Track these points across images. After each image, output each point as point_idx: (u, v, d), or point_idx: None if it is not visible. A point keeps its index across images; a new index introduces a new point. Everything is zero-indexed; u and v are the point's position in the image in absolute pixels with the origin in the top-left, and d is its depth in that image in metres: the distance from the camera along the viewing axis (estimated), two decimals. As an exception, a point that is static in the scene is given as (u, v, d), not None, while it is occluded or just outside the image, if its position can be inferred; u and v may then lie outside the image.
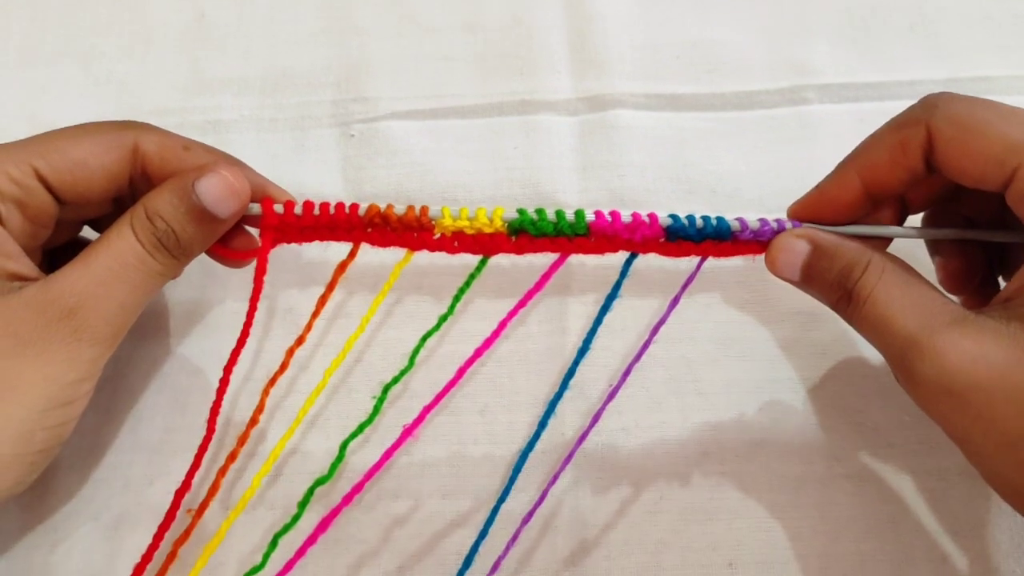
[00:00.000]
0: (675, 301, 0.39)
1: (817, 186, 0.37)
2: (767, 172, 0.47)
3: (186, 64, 0.50)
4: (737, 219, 0.37)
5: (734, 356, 0.43)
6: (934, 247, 0.39)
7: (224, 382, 0.38)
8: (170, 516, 0.37)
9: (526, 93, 0.49)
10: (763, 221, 0.37)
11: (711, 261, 0.38)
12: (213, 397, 0.38)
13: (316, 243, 0.39)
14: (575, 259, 0.39)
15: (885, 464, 0.41)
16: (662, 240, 0.37)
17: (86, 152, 0.35)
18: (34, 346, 0.33)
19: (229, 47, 0.50)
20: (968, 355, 0.30)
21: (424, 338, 0.39)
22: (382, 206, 0.37)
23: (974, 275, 0.38)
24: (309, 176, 0.47)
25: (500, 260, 0.40)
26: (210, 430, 0.38)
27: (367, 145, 0.47)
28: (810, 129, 0.48)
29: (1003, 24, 0.51)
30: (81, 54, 0.50)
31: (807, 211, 0.37)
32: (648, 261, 0.39)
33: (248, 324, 0.38)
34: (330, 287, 0.39)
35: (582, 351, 0.39)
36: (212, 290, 0.44)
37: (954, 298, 0.35)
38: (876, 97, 0.49)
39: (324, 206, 0.37)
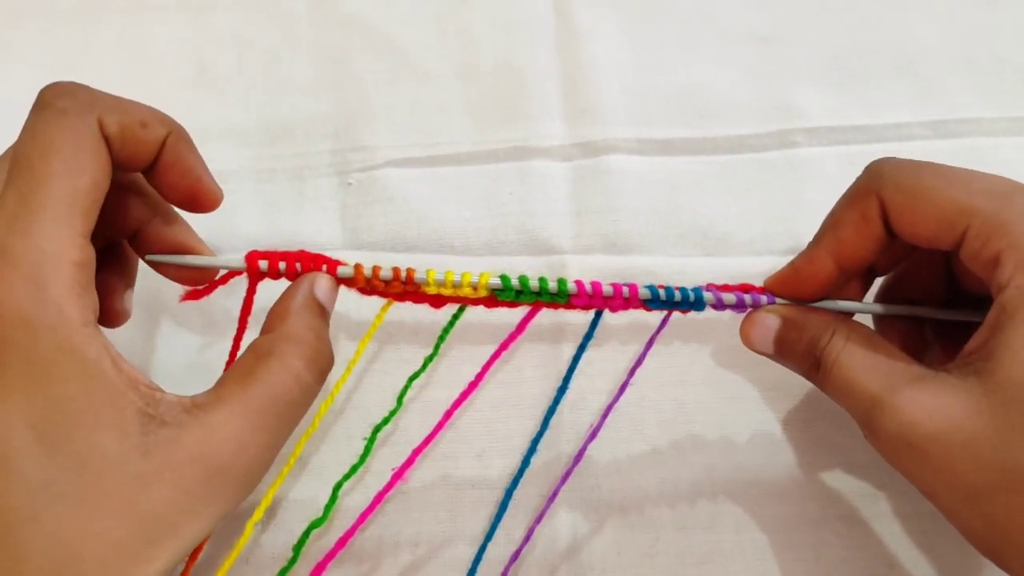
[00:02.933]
0: (649, 344, 0.40)
1: (791, 264, 0.38)
2: (758, 214, 0.48)
3: (185, 114, 0.50)
4: (712, 292, 0.38)
5: (726, 398, 0.43)
6: (879, 328, 0.40)
7: None
8: None
9: (520, 140, 0.50)
10: (738, 297, 0.38)
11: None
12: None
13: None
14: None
15: (877, 505, 0.41)
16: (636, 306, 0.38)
17: (91, 173, 0.31)
18: (207, 504, 0.30)
19: (228, 97, 0.51)
20: (926, 410, 0.31)
21: (411, 379, 0.40)
22: (368, 265, 0.37)
23: (916, 351, 0.39)
24: (308, 225, 0.47)
25: (481, 315, 0.40)
26: None
27: (365, 193, 0.48)
28: (799, 172, 0.49)
29: (987, 67, 0.52)
30: (85, 106, 0.51)
31: (783, 287, 0.38)
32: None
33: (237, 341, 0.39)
34: None
35: (561, 390, 0.40)
36: (212, 335, 0.45)
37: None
38: (864, 140, 0.50)
39: (307, 264, 0.37)
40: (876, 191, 0.34)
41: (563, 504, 0.41)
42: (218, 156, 0.49)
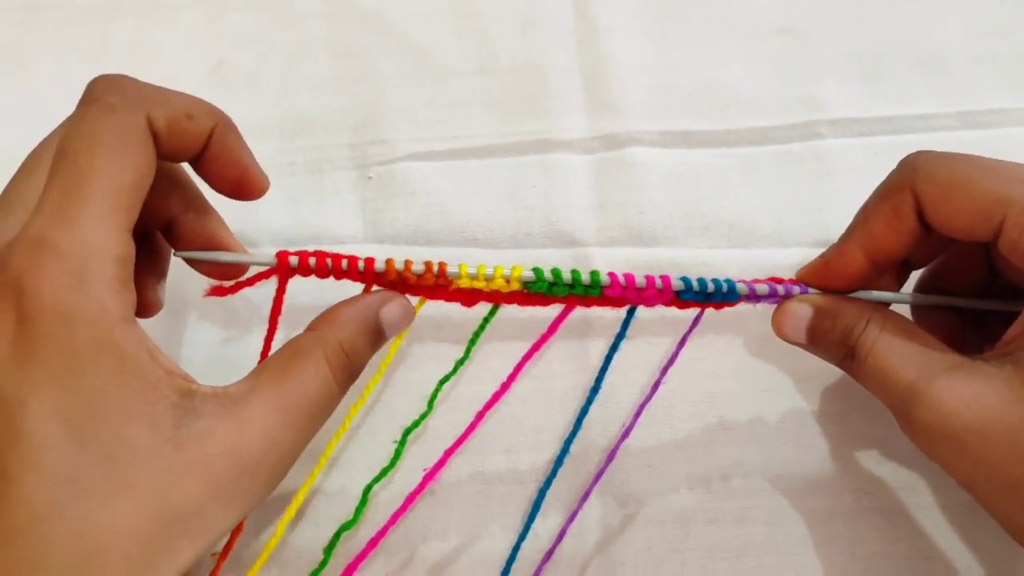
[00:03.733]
0: (682, 343, 0.40)
1: (822, 256, 0.38)
2: (783, 206, 0.47)
3: None
4: (746, 283, 0.38)
5: (757, 390, 0.43)
6: (918, 318, 0.40)
7: None
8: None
9: (542, 133, 0.49)
10: (771, 287, 0.38)
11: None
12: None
13: (333, 282, 0.38)
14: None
15: (914, 497, 0.40)
16: (670, 299, 0.38)
17: (136, 169, 0.31)
18: (237, 498, 0.30)
19: (247, 93, 0.51)
20: (963, 399, 0.31)
21: (441, 382, 0.40)
22: (399, 259, 0.36)
23: (956, 343, 0.38)
24: (328, 219, 0.47)
25: (513, 313, 0.40)
26: None
27: (385, 187, 0.48)
28: (824, 163, 0.49)
29: (1013, 59, 0.51)
30: (102, 103, 0.51)
31: (814, 278, 0.38)
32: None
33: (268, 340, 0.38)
34: None
35: (594, 390, 0.40)
36: (235, 330, 0.44)
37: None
38: (889, 131, 0.49)
39: (337, 261, 0.36)
40: (909, 185, 0.34)
41: (593, 499, 0.41)
42: None
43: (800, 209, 0.47)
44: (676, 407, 0.42)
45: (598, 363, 0.43)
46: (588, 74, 0.51)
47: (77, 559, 0.28)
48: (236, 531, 0.37)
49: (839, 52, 0.52)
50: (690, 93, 0.51)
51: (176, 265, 0.38)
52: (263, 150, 0.48)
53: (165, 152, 0.33)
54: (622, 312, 0.39)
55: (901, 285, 0.39)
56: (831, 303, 0.37)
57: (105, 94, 0.32)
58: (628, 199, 0.47)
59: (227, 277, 0.38)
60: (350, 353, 0.34)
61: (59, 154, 0.31)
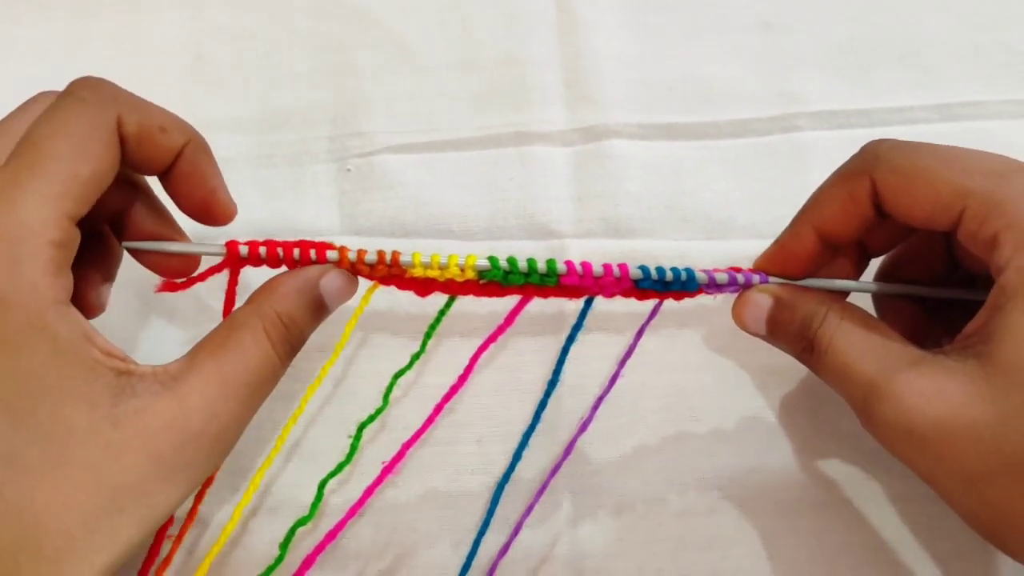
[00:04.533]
0: (639, 334, 0.40)
1: (777, 240, 0.38)
2: (761, 198, 0.47)
3: (184, 104, 0.49)
4: (705, 272, 0.37)
5: (728, 383, 0.43)
6: (879, 309, 0.40)
7: None
8: (154, 549, 0.36)
9: (521, 125, 0.49)
10: (730, 275, 0.37)
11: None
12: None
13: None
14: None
15: (882, 489, 0.40)
16: (628, 288, 0.38)
17: (94, 161, 0.31)
18: (179, 471, 0.30)
19: (226, 86, 0.51)
20: (924, 395, 0.30)
21: (396, 376, 0.40)
22: (372, 249, 0.36)
23: (918, 336, 0.38)
24: (306, 211, 0.47)
25: (474, 306, 0.40)
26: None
27: (363, 179, 0.48)
28: (803, 156, 0.49)
29: (991, 51, 0.51)
30: (83, 96, 0.51)
31: (771, 264, 0.38)
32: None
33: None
34: None
35: (551, 383, 0.40)
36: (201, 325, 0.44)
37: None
38: (867, 124, 0.49)
39: (288, 250, 0.35)
40: (869, 172, 0.34)
41: (565, 491, 0.41)
42: (216, 144, 0.48)
43: (778, 201, 0.47)
44: (646, 400, 0.42)
45: (571, 354, 0.43)
46: (568, 67, 0.51)
47: (16, 536, 0.28)
48: (190, 515, 0.38)
49: (818, 45, 0.52)
50: (670, 86, 0.51)
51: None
52: (242, 143, 0.49)
53: (132, 160, 0.33)
54: (595, 306, 0.39)
55: (860, 273, 0.39)
56: (790, 293, 0.36)
57: (81, 90, 0.33)
58: (606, 191, 0.47)
59: (179, 274, 0.37)
60: (289, 324, 0.34)
61: (23, 139, 0.31)
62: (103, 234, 0.37)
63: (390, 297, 0.40)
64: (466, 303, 0.39)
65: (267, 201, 0.47)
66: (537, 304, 0.39)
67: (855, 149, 0.40)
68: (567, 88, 0.51)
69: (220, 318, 0.36)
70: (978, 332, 0.31)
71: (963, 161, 0.32)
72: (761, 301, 0.37)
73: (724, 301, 0.39)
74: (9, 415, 0.29)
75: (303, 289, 0.35)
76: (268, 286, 0.35)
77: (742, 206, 0.47)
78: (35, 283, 0.29)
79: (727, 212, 0.47)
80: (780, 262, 0.37)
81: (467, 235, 0.46)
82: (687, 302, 0.39)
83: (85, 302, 0.36)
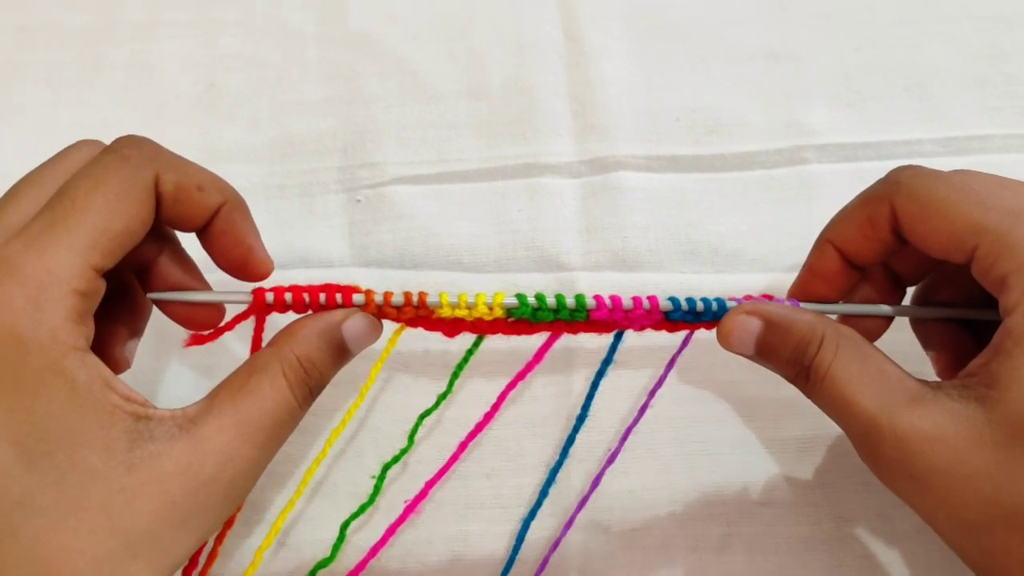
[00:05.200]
0: (671, 364, 0.40)
1: (804, 264, 0.38)
2: (769, 231, 0.48)
3: (197, 133, 0.51)
4: (736, 300, 0.37)
5: (740, 416, 0.43)
6: (925, 340, 0.40)
7: None
8: None
9: (530, 156, 0.50)
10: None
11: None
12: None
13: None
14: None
15: (895, 525, 0.40)
16: (658, 321, 0.37)
17: (126, 218, 0.31)
18: (193, 517, 0.30)
19: (238, 116, 0.51)
20: (927, 438, 0.30)
21: (422, 417, 0.40)
22: (383, 283, 0.36)
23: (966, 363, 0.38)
24: (317, 241, 0.47)
25: (496, 344, 0.39)
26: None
27: (373, 210, 0.48)
28: (810, 188, 0.49)
29: (997, 85, 0.52)
30: (95, 126, 0.51)
31: (802, 291, 0.38)
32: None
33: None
34: None
35: (580, 419, 0.40)
36: (220, 360, 0.44)
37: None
38: (874, 156, 0.50)
39: (315, 295, 0.35)
40: (889, 198, 0.34)
41: (575, 525, 0.41)
42: (228, 173, 0.48)
43: (784, 234, 0.47)
44: (658, 432, 0.43)
45: (581, 389, 0.43)
46: (576, 98, 0.52)
47: None
48: (211, 557, 0.37)
49: (825, 78, 0.52)
50: (677, 117, 0.51)
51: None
52: (254, 173, 0.49)
53: (169, 217, 0.34)
54: (605, 342, 0.39)
55: (898, 302, 0.39)
56: (781, 315, 0.35)
57: (124, 147, 0.33)
58: (614, 223, 0.48)
59: (203, 325, 0.37)
60: (308, 368, 0.34)
61: (61, 190, 0.31)
62: (130, 286, 0.37)
63: (414, 337, 0.40)
64: (489, 341, 0.38)
65: (279, 232, 0.47)
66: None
67: (862, 182, 0.41)
68: (575, 119, 0.51)
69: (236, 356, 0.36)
70: (982, 373, 0.31)
71: (982, 194, 0.32)
72: (749, 324, 0.35)
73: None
74: (26, 457, 0.29)
75: (324, 333, 0.34)
76: (289, 329, 0.35)
77: (750, 239, 0.47)
78: (55, 328, 0.29)
79: (735, 245, 0.47)
80: (811, 285, 0.37)
81: (476, 267, 0.46)
82: (702, 334, 0.39)
83: (111, 357, 0.36)
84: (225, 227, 0.35)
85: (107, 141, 0.51)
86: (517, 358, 0.40)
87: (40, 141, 0.50)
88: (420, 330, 0.37)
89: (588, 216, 0.48)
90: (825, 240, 0.37)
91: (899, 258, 0.37)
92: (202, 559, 0.37)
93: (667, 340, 0.40)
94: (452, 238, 0.47)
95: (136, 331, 0.38)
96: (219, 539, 0.38)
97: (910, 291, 0.40)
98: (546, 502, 0.41)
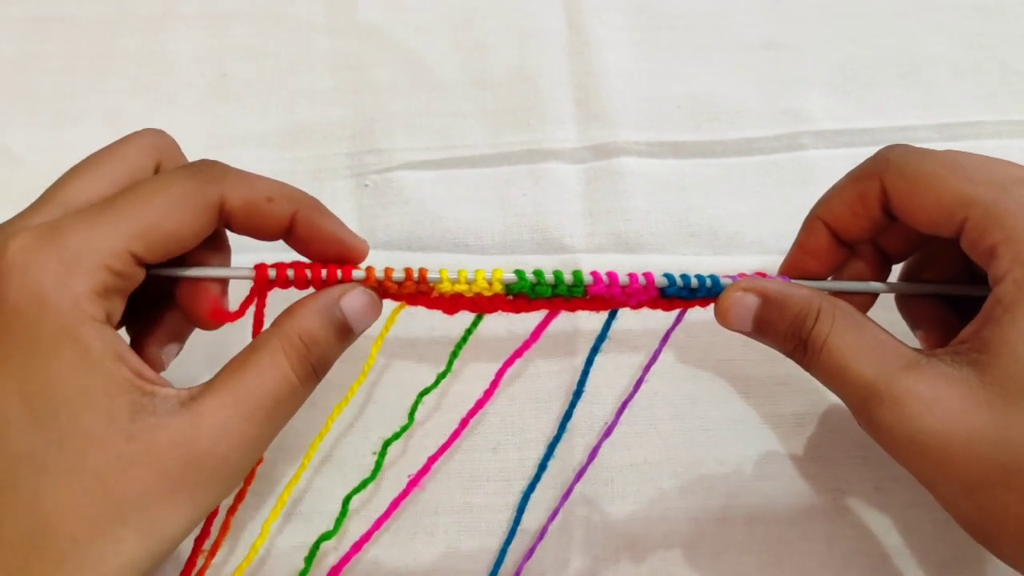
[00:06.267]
0: (665, 339, 0.41)
1: (795, 241, 0.39)
2: (766, 215, 0.49)
3: (208, 121, 0.52)
4: (730, 277, 0.38)
5: (738, 393, 0.44)
6: (913, 319, 0.40)
7: None
8: (191, 563, 0.37)
9: (533, 143, 0.51)
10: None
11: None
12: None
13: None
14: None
15: (890, 496, 0.41)
16: (655, 297, 0.38)
17: (180, 224, 0.33)
18: (184, 490, 0.31)
19: (249, 104, 0.53)
20: (925, 402, 0.31)
21: (421, 395, 0.41)
22: (391, 264, 0.37)
23: (949, 338, 0.37)
24: (326, 225, 0.48)
25: (496, 326, 0.41)
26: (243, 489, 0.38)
27: (381, 195, 0.49)
28: (807, 173, 0.50)
29: (990, 72, 0.53)
30: (109, 114, 0.52)
31: (792, 267, 0.39)
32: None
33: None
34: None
35: (577, 394, 0.41)
36: (231, 336, 0.45)
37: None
38: (870, 142, 0.51)
39: (316, 270, 0.36)
40: (880, 175, 0.35)
41: (577, 499, 0.42)
42: (237, 160, 0.49)
43: (782, 217, 0.48)
44: (658, 409, 0.44)
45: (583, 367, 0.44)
46: (579, 86, 0.53)
47: (26, 533, 0.29)
48: (223, 530, 0.38)
49: (823, 65, 0.54)
50: (678, 104, 0.53)
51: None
52: (264, 159, 0.51)
53: (245, 229, 0.35)
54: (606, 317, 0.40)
55: (884, 278, 0.40)
56: (778, 291, 0.36)
57: (195, 165, 0.35)
58: (616, 207, 0.49)
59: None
60: (310, 344, 0.34)
61: (131, 188, 0.33)
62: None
63: (414, 322, 0.41)
64: (488, 326, 0.39)
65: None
66: (552, 322, 0.40)
67: (857, 167, 0.42)
68: (578, 106, 0.52)
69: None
70: (973, 340, 0.32)
71: (969, 169, 0.33)
72: (746, 300, 0.36)
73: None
74: (33, 415, 0.30)
75: (323, 309, 0.35)
76: (290, 308, 0.35)
77: (748, 222, 0.48)
78: (79, 296, 0.30)
79: (734, 228, 0.48)
80: (801, 262, 0.38)
81: (482, 250, 0.48)
82: (698, 311, 0.40)
83: (148, 355, 0.37)
84: (307, 231, 0.36)
85: (119, 129, 0.52)
86: (518, 341, 0.41)
87: (54, 129, 0.52)
88: (424, 313, 0.38)
89: (591, 200, 0.49)
90: (815, 217, 0.38)
91: (887, 235, 0.38)
92: (214, 530, 0.38)
93: (666, 321, 0.41)
94: (458, 222, 0.48)
95: (178, 336, 0.38)
96: (231, 511, 0.38)
97: (896, 270, 0.41)
98: (549, 476, 0.42)
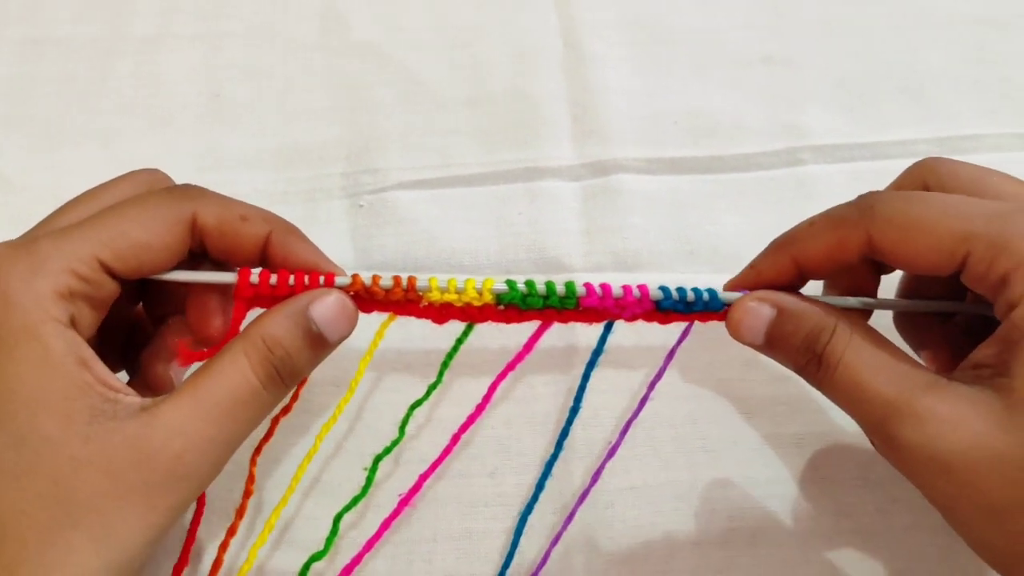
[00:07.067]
0: (670, 356, 0.40)
1: (751, 264, 0.38)
2: (767, 231, 0.47)
3: (203, 141, 0.52)
4: (731, 292, 0.37)
5: (739, 413, 0.43)
6: (918, 341, 0.40)
7: None
8: None
9: (530, 161, 0.50)
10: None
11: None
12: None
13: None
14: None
15: (891, 519, 0.41)
16: (649, 310, 0.37)
17: (149, 233, 0.33)
18: (137, 492, 0.30)
19: (243, 124, 0.52)
20: (948, 422, 0.30)
21: (412, 407, 0.40)
22: (367, 276, 0.36)
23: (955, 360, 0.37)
24: (321, 246, 0.48)
25: (488, 341, 0.40)
26: (200, 502, 0.38)
27: (376, 215, 0.49)
28: (807, 188, 0.50)
29: (990, 86, 0.52)
30: (103, 135, 0.52)
31: (742, 287, 0.38)
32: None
33: None
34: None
35: (573, 411, 0.40)
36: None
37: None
38: (869, 157, 0.50)
39: (299, 277, 0.35)
40: (866, 226, 0.34)
41: (577, 522, 0.41)
42: (232, 181, 0.50)
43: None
44: (659, 430, 0.43)
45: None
46: (576, 103, 0.52)
47: None
48: (216, 566, 0.37)
49: (821, 79, 0.53)
50: (675, 120, 0.52)
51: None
52: (259, 180, 0.50)
53: (219, 248, 0.35)
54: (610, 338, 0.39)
55: (875, 292, 0.39)
56: (795, 304, 0.35)
57: (175, 186, 0.36)
58: (614, 225, 0.48)
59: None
60: (272, 346, 0.33)
61: (116, 203, 0.34)
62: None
63: (405, 334, 0.41)
64: (480, 338, 0.39)
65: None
66: (548, 339, 0.40)
67: (858, 182, 0.42)
68: (575, 123, 0.52)
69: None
70: (992, 364, 0.31)
71: (960, 207, 0.33)
72: (762, 311, 0.36)
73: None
74: None
75: (290, 314, 0.34)
76: (259, 316, 0.35)
77: (748, 239, 0.47)
78: (41, 296, 0.31)
79: (734, 245, 0.48)
80: (753, 285, 0.37)
81: (478, 270, 0.47)
82: (700, 331, 0.39)
83: (153, 373, 0.37)
84: (282, 252, 0.36)
85: (113, 150, 0.52)
86: (510, 355, 0.40)
87: (49, 151, 0.52)
88: (414, 329, 0.38)
89: (588, 218, 0.49)
90: (784, 252, 0.37)
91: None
92: (202, 559, 0.37)
93: (664, 339, 0.41)
94: (454, 241, 0.48)
95: (175, 354, 0.38)
96: (222, 547, 0.37)
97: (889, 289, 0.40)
98: (548, 499, 0.41)
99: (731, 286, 0.38)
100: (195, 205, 0.35)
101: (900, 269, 0.35)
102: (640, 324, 0.39)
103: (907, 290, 0.40)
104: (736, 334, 0.36)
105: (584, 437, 0.43)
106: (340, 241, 0.49)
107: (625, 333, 0.40)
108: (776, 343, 0.36)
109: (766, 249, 0.38)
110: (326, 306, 0.35)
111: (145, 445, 0.31)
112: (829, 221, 0.36)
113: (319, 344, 0.35)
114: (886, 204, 0.34)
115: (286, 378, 0.34)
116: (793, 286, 0.37)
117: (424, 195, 0.49)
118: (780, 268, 0.37)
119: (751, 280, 0.38)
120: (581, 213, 0.49)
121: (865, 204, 0.35)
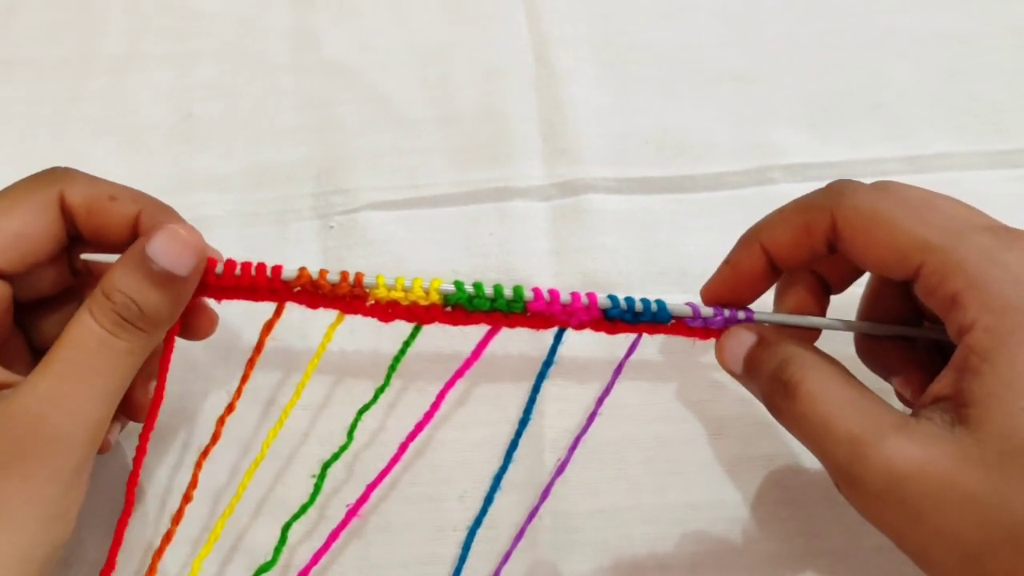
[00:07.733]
0: (618, 370, 0.40)
1: (726, 260, 0.38)
2: (736, 250, 0.48)
3: (171, 162, 0.52)
4: (689, 304, 0.37)
5: (709, 435, 0.43)
6: (887, 367, 0.38)
7: (140, 450, 0.37)
8: None
9: (500, 181, 0.50)
10: (716, 310, 0.37)
11: (685, 342, 0.39)
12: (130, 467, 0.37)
13: (241, 304, 0.38)
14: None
15: (861, 540, 0.41)
16: (597, 319, 0.37)
17: (20, 221, 0.34)
18: (10, 466, 0.31)
19: (213, 145, 0.52)
20: (917, 463, 0.29)
21: (360, 411, 0.39)
22: (314, 271, 0.36)
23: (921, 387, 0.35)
24: (291, 268, 0.47)
25: (440, 350, 0.41)
26: (128, 503, 0.37)
27: (346, 236, 0.49)
28: (777, 207, 0.49)
29: (960, 104, 0.52)
30: (71, 156, 0.50)
31: (722, 287, 0.38)
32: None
33: (159, 390, 0.37)
34: (257, 349, 0.38)
35: (523, 422, 0.40)
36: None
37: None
38: (840, 175, 0.49)
39: (246, 267, 0.35)
40: (831, 209, 0.34)
41: (545, 546, 0.41)
42: (202, 202, 0.50)
43: (752, 253, 0.48)
44: (627, 452, 0.43)
45: (552, 408, 0.44)
46: (546, 121, 0.52)
47: None
48: (150, 572, 0.37)
49: (792, 98, 0.53)
50: (646, 139, 0.52)
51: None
52: (228, 201, 0.50)
53: (89, 229, 0.36)
54: (577, 356, 0.39)
55: (824, 311, 0.39)
56: (772, 333, 0.35)
57: (38, 172, 0.37)
58: (584, 245, 0.48)
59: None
60: (110, 293, 0.33)
61: None
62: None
63: (358, 343, 0.42)
64: (434, 343, 0.39)
65: (252, 258, 0.47)
66: (519, 359, 0.39)
67: (828, 201, 0.41)
68: (545, 142, 0.52)
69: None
70: (954, 395, 0.30)
71: (926, 212, 0.32)
72: (745, 338, 0.36)
73: (705, 352, 0.39)
74: None
75: (127, 260, 0.34)
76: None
77: (718, 259, 0.47)
78: None
79: (703, 265, 0.46)
80: (731, 282, 0.37)
81: (448, 291, 0.47)
82: (671, 353, 0.39)
83: (131, 400, 0.37)
84: (153, 228, 0.35)
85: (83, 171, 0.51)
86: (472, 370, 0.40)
87: (16, 173, 0.51)
88: (366, 337, 0.39)
89: (558, 238, 0.48)
90: (755, 240, 0.37)
91: (827, 264, 0.37)
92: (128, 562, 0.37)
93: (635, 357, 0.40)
94: (424, 263, 0.48)
95: (153, 375, 0.38)
96: (157, 553, 0.37)
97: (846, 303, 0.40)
98: (510, 520, 0.41)
99: (708, 286, 0.39)
100: (61, 186, 0.35)
101: (856, 263, 0.34)
102: (612, 341, 0.38)
103: (865, 314, 0.40)
104: (721, 359, 0.37)
105: (552, 459, 0.42)
106: (311, 262, 0.46)
107: (582, 350, 0.40)
108: (751, 370, 0.36)
109: (738, 241, 0.38)
110: (159, 241, 0.33)
111: (7, 419, 0.31)
112: (797, 204, 0.36)
113: (169, 282, 0.34)
114: (855, 193, 0.34)
115: (136, 322, 0.33)
116: (763, 280, 0.37)
117: (394, 216, 0.49)
118: (751, 256, 0.37)
119: (726, 274, 0.38)
120: (551, 233, 0.49)
121: (835, 190, 0.35)
